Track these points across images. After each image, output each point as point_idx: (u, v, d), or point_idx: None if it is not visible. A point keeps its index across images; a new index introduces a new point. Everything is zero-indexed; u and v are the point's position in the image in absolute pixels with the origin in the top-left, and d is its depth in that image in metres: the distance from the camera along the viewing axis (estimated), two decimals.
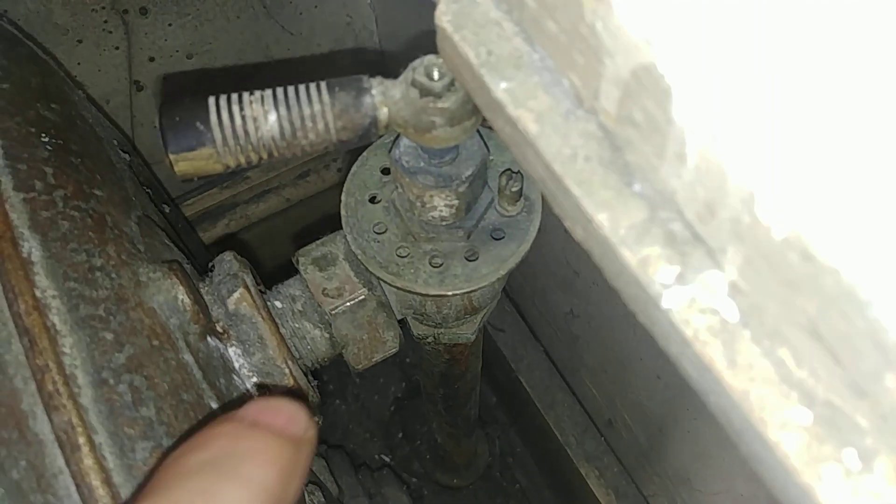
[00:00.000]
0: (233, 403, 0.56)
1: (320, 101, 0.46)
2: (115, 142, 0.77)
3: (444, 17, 0.41)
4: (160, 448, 0.47)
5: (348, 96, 0.46)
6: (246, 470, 0.36)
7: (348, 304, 0.65)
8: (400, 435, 1.62)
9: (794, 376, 0.30)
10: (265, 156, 0.46)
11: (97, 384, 0.47)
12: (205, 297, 0.61)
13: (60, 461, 0.45)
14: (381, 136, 0.49)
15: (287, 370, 0.60)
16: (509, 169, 0.61)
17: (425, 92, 0.46)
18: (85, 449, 0.44)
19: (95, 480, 0.44)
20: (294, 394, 0.60)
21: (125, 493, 0.45)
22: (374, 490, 1.35)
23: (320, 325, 0.66)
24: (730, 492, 0.97)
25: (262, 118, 0.45)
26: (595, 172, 0.36)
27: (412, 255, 0.61)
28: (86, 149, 0.64)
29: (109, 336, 0.49)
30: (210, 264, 0.66)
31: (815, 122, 0.26)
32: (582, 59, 0.35)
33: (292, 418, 0.40)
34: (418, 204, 0.56)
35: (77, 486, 0.45)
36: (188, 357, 0.54)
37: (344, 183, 0.65)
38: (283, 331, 0.63)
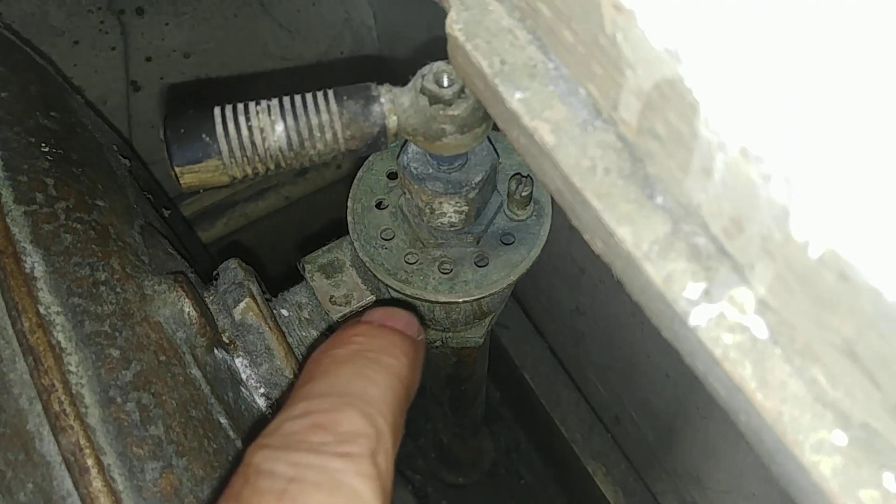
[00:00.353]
0: (242, 419, 0.55)
1: (328, 110, 0.45)
2: (115, 147, 0.76)
3: (454, 25, 0.39)
4: (170, 468, 0.46)
5: (357, 105, 0.45)
6: (385, 359, 0.44)
7: (357, 311, 0.64)
8: (404, 433, 1.61)
9: (828, 396, 0.29)
10: (272, 167, 0.45)
11: (104, 403, 0.46)
12: (210, 306, 0.60)
13: (69, 484, 0.44)
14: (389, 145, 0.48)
15: (295, 380, 0.59)
16: (518, 173, 0.60)
17: (435, 99, 0.45)
18: (94, 471, 0.43)
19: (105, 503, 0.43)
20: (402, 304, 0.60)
21: None
22: None
23: (327, 333, 0.65)
24: (741, 490, 0.96)
25: (270, 128, 0.44)
26: (615, 185, 0.35)
27: (421, 262, 0.60)
28: (86, 158, 0.63)
29: (116, 353, 0.48)
30: (214, 272, 0.64)
31: (855, 140, 0.25)
32: (600, 70, 0.34)
33: (409, 323, 0.48)
34: (427, 210, 0.55)
35: None
36: (196, 371, 0.53)
37: (344, 180, 0.64)
38: (290, 340, 0.62)
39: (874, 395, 0.27)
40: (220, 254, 1.47)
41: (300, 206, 1.53)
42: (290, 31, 1.33)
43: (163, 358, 0.51)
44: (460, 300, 0.59)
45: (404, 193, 0.58)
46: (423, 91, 0.45)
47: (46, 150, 0.58)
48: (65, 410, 0.44)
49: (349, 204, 0.62)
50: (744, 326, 0.31)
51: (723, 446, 0.97)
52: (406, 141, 0.52)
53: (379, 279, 0.60)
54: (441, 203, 0.54)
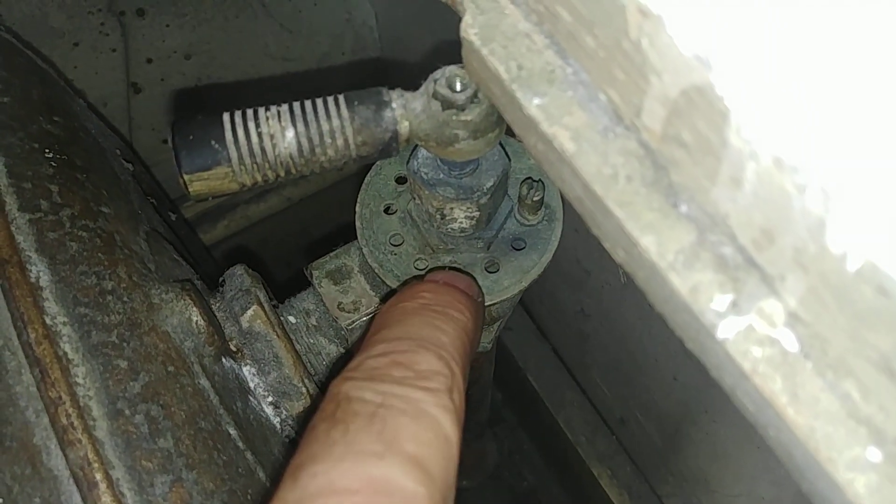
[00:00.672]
0: (250, 429, 0.54)
1: (339, 115, 0.44)
2: (118, 151, 0.75)
3: (470, 29, 0.39)
4: (179, 481, 0.45)
5: (368, 110, 0.44)
6: (452, 312, 0.47)
7: (365, 318, 0.63)
8: None
9: (862, 412, 0.28)
10: (282, 173, 0.44)
11: (112, 416, 0.45)
12: (217, 314, 0.59)
13: (77, 499, 0.43)
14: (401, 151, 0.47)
15: (304, 389, 0.58)
16: (530, 177, 0.59)
17: (447, 104, 0.44)
18: (103, 486, 0.42)
19: None
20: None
21: None
22: None
23: (336, 340, 0.64)
24: (751, 494, 0.95)
25: (280, 135, 0.43)
26: (638, 193, 0.34)
27: (431, 268, 0.59)
28: (90, 163, 0.62)
29: (123, 364, 0.47)
30: (220, 279, 0.63)
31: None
32: (623, 75, 0.33)
33: (470, 285, 0.51)
34: (438, 216, 0.55)
35: None
36: (204, 382, 0.52)
37: (345, 181, 0.63)
38: (297, 347, 0.61)
39: None
40: (223, 256, 1.46)
41: (302, 208, 1.52)
42: (292, 32, 1.33)
43: (171, 368, 0.50)
44: None
45: (414, 199, 0.57)
46: (435, 96, 0.44)
47: (50, 155, 0.57)
48: (72, 423, 0.44)
49: (357, 209, 0.62)
50: (773, 339, 0.30)
51: (732, 450, 0.96)
52: (415, 146, 0.51)
53: (388, 285, 0.59)
54: (452, 209, 0.53)
